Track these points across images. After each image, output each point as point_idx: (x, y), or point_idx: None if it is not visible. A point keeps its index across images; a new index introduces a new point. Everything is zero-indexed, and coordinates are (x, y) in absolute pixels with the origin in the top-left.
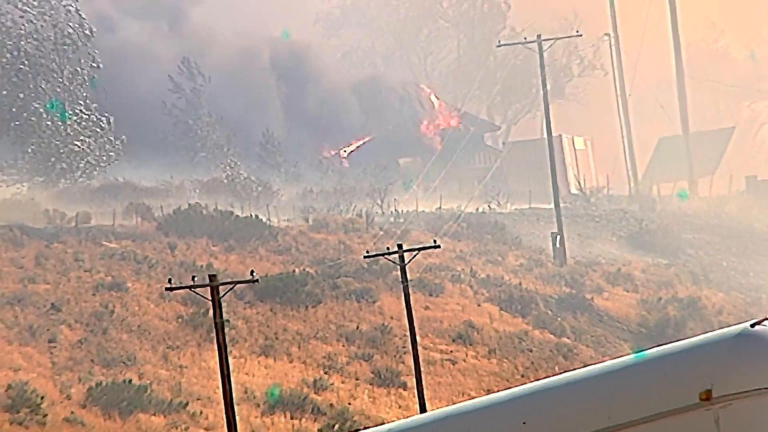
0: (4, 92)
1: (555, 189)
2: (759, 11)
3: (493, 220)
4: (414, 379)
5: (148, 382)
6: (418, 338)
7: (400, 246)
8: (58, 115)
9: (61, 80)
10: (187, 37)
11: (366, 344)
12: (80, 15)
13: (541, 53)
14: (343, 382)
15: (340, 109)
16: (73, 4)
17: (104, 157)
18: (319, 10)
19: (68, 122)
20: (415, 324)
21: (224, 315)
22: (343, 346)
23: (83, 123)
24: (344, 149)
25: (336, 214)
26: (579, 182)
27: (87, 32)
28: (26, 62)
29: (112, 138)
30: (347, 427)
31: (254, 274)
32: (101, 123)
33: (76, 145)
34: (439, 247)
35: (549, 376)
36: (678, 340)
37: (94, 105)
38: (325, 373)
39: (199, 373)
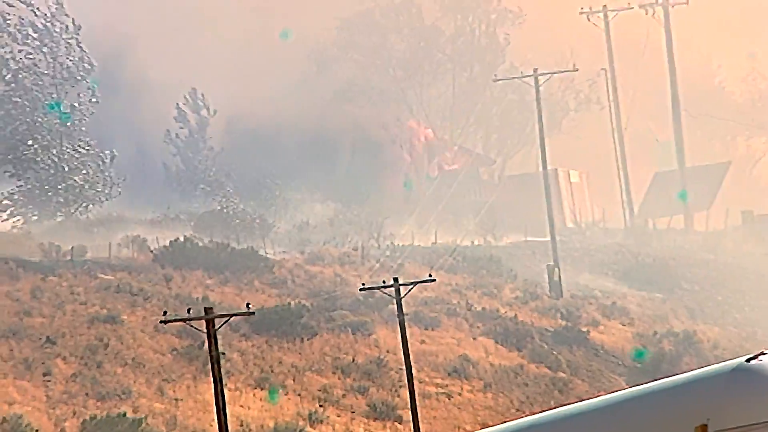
0: (1, 125)
1: (551, 222)
2: (755, 47)
3: (489, 254)
4: (410, 413)
5: (143, 415)
6: (413, 372)
7: (395, 279)
8: (56, 149)
9: (58, 114)
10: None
11: (362, 377)
12: (81, 48)
13: (537, 87)
14: (338, 415)
15: (335, 142)
16: (74, 38)
17: (104, 193)
18: (313, 45)
19: (66, 157)
20: (410, 357)
21: (220, 347)
22: (339, 378)
23: (82, 158)
24: (339, 183)
25: (331, 247)
26: (574, 215)
27: (87, 65)
28: (23, 96)
29: (112, 174)
30: None
31: (250, 306)
32: (102, 158)
33: (74, 180)
34: (434, 280)
35: (545, 411)
36: (673, 375)
37: (93, 141)
38: (321, 405)
39: (194, 406)
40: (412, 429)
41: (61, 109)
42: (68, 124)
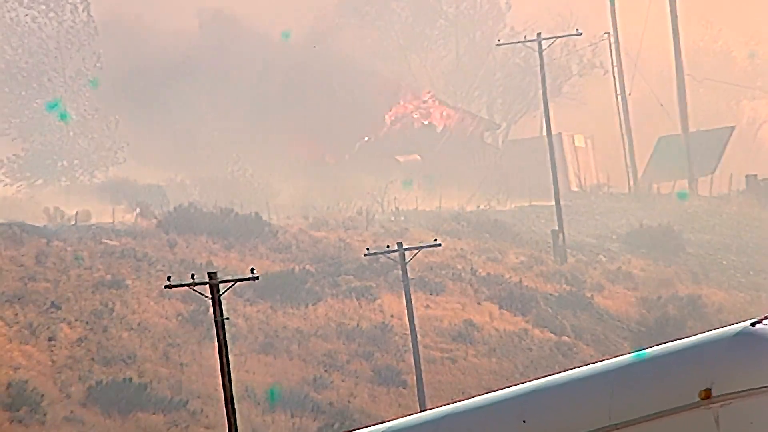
0: (6, 89)
1: (555, 186)
2: (758, 10)
3: (494, 218)
4: (414, 378)
5: (148, 380)
6: (418, 337)
7: (400, 244)
8: (61, 113)
9: (63, 79)
10: (192, 35)
11: (366, 342)
12: (88, 12)
13: (540, 52)
14: (343, 381)
15: (339, 107)
16: (80, 2)
17: (108, 158)
18: (316, 12)
19: (71, 121)
20: (415, 322)
21: (224, 313)
22: (344, 344)
23: (87, 122)
24: (344, 147)
25: (336, 212)
26: (579, 180)
27: (92, 31)
28: (29, 60)
29: (117, 138)
30: (347, 425)
31: (254, 271)
32: (107, 122)
33: (78, 144)
34: (439, 245)
35: (549, 375)
36: (678, 339)
37: (100, 105)
38: (325, 371)
39: (199, 371)
40: (417, 394)
41: (66, 73)
42: (74, 87)
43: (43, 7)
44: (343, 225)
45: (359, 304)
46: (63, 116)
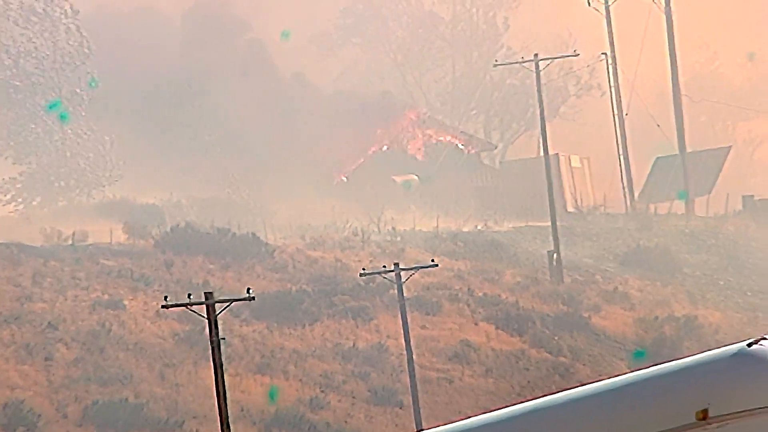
0: (3, 110)
1: (552, 207)
2: (755, 31)
3: (490, 239)
4: (410, 398)
5: (145, 400)
6: (414, 357)
7: (396, 264)
8: (57, 134)
9: (59, 99)
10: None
11: (363, 362)
12: (81, 33)
13: (537, 72)
14: (339, 401)
15: (336, 128)
16: (74, 23)
17: (105, 177)
18: (313, 32)
19: (67, 141)
20: (411, 343)
21: (220, 333)
22: (340, 364)
23: (84, 142)
24: (341, 168)
25: (332, 232)
26: (575, 200)
27: (86, 50)
28: (25, 80)
29: (113, 157)
30: None
31: (250, 291)
32: (103, 142)
33: (76, 164)
34: (436, 265)
35: (546, 395)
36: (675, 360)
37: (94, 126)
38: (322, 391)
39: (195, 392)
40: (413, 414)
41: (62, 93)
42: (70, 108)
43: (38, 27)
44: (339, 245)
45: (355, 324)
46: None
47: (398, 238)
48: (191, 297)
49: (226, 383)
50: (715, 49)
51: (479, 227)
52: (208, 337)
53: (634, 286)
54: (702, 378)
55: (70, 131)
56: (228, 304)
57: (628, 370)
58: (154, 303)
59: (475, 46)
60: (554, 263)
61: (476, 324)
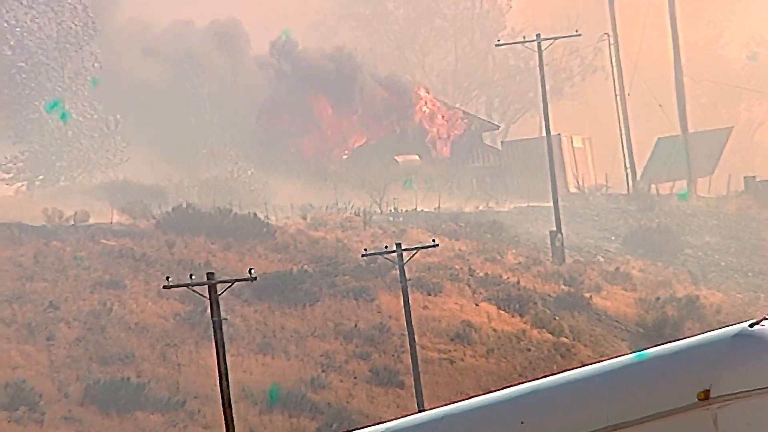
0: (6, 90)
1: (554, 187)
2: (757, 12)
3: (492, 219)
4: (412, 378)
5: (146, 380)
6: (416, 337)
7: (398, 245)
8: (60, 113)
9: (62, 79)
10: (189, 36)
11: (364, 343)
12: (87, 13)
13: (540, 53)
14: (341, 381)
15: (337, 108)
16: (79, 2)
17: (108, 157)
18: (314, 13)
19: (70, 121)
20: (413, 323)
21: (222, 313)
22: (341, 344)
23: (87, 122)
24: (343, 148)
25: (334, 213)
26: (577, 181)
27: (91, 31)
28: (28, 60)
29: (118, 138)
30: (345, 426)
31: (252, 272)
32: (107, 123)
33: (77, 144)
34: (437, 246)
35: (547, 376)
36: (676, 340)
37: (100, 105)
38: (323, 371)
39: (197, 371)
40: (415, 395)
41: (65, 73)
42: (73, 87)
43: (43, 7)
44: (341, 225)
45: (357, 304)
46: (63, 116)
47: (400, 219)
48: (193, 277)
49: (227, 363)
50: (719, 28)
51: (481, 207)
52: (210, 317)
53: (636, 267)
54: (703, 359)
55: (72, 111)
56: (229, 284)
57: (629, 351)
58: (156, 283)
59: (477, 25)
60: (556, 243)
61: (477, 304)
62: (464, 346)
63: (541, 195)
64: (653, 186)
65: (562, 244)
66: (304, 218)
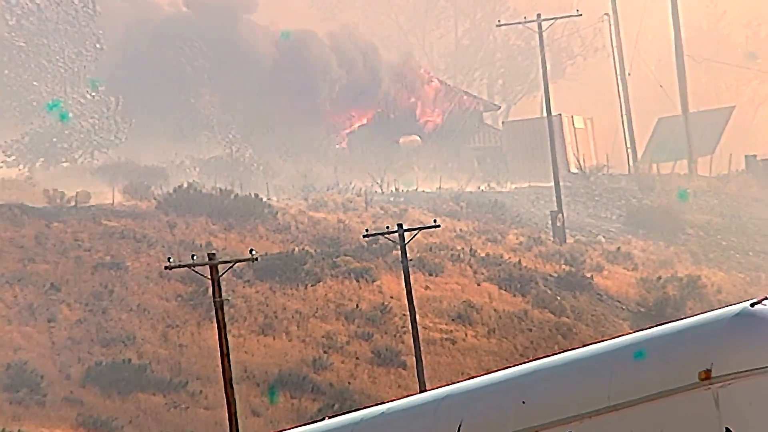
0: (6, 71)
1: (555, 167)
2: None
3: (493, 199)
4: (414, 359)
5: (148, 361)
6: (417, 318)
7: (399, 225)
8: (61, 95)
9: (63, 60)
10: (188, 21)
11: (366, 323)
12: None
13: (540, 33)
14: (342, 362)
15: (339, 89)
16: None
17: (110, 138)
18: None
19: (71, 102)
20: (414, 303)
21: (223, 294)
22: (343, 325)
23: (88, 103)
24: (344, 128)
25: (335, 193)
26: (578, 161)
27: (91, 12)
28: (28, 41)
29: (119, 119)
30: (347, 406)
31: (253, 252)
32: (108, 103)
33: (78, 125)
34: (438, 226)
35: (548, 356)
36: (677, 320)
37: (99, 87)
38: (325, 352)
39: (198, 352)
40: (416, 375)
41: (66, 54)
42: (74, 68)
43: None
44: (342, 206)
45: (358, 285)
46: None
47: (401, 199)
48: (194, 258)
49: (229, 344)
50: (722, 8)
51: (482, 188)
52: (212, 298)
53: (637, 247)
54: (705, 338)
55: (73, 92)
56: (231, 265)
57: (630, 331)
58: (157, 264)
59: (478, 5)
60: (557, 223)
61: (479, 284)
62: (465, 327)
63: (542, 175)
64: (654, 166)
65: (563, 224)
66: (306, 199)
